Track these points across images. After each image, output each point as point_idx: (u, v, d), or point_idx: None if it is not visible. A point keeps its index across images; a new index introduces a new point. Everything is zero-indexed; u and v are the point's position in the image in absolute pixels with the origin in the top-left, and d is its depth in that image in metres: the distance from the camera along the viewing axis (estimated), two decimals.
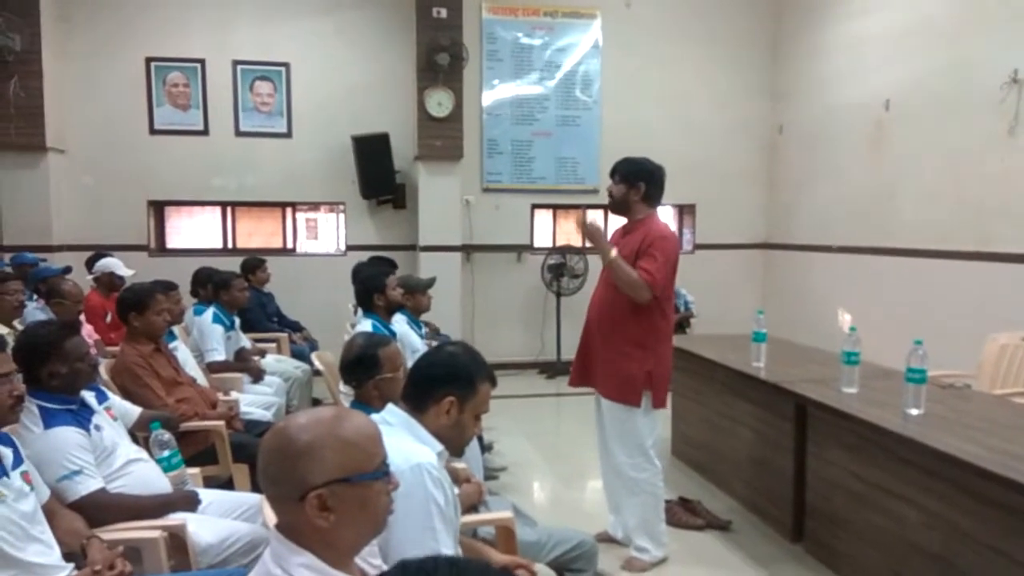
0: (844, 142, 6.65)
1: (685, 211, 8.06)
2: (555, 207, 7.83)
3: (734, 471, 4.13)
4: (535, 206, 7.67)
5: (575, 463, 4.97)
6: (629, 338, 3.23)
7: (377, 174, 7.02)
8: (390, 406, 1.93)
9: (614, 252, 3.17)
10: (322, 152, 7.14)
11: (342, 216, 7.45)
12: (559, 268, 7.25)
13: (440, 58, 6.65)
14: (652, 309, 3.21)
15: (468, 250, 7.32)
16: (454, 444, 1.93)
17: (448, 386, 1.84)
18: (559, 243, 7.67)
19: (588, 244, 3.53)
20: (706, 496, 4.06)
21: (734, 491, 4.12)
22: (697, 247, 7.89)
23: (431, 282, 4.48)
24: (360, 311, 4.24)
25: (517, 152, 7.48)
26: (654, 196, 3.33)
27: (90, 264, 5.39)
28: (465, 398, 1.86)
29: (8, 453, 2.02)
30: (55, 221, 6.45)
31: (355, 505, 1.27)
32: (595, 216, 7.89)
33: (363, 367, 2.49)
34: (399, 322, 4.20)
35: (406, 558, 0.86)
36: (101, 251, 5.60)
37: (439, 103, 6.81)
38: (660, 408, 3.32)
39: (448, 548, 1.74)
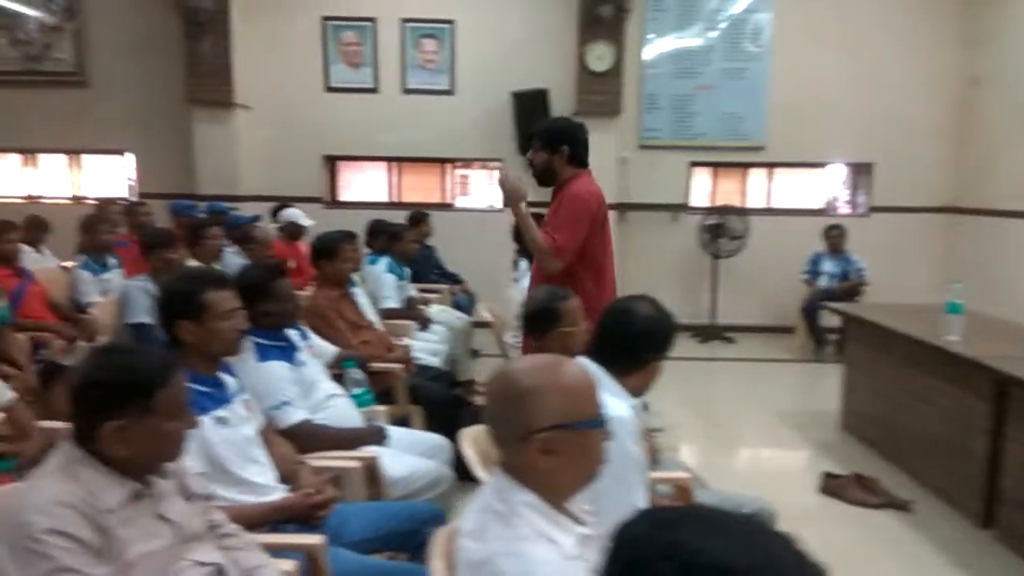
0: None
1: (860, 171, 7.50)
2: (715, 165, 7.54)
3: (914, 449, 3.88)
4: (693, 163, 7.42)
5: (729, 428, 4.89)
6: None
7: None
8: (582, 359, 1.94)
9: (523, 206, 2.93)
10: (482, 109, 7.23)
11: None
12: (717, 229, 7.00)
13: (603, 10, 6.52)
14: (581, 278, 2.94)
15: (622, 208, 7.22)
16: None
17: (660, 353, 1.87)
18: (718, 203, 7.40)
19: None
20: (881, 474, 3.84)
21: (913, 470, 3.87)
22: (872, 210, 7.35)
23: None
24: (524, 263, 4.30)
25: (677, 107, 7.23)
26: (579, 156, 3.05)
27: (275, 213, 5.81)
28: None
29: (232, 382, 2.23)
30: (241, 173, 6.97)
31: (575, 451, 1.30)
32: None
33: (545, 319, 2.53)
34: None
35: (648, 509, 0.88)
36: (285, 202, 6.02)
37: (599, 57, 6.69)
38: None
39: (641, 502, 1.75)
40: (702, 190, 7.66)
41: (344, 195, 7.73)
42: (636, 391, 1.88)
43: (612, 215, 6.87)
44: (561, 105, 7.03)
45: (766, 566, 0.69)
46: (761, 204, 7.60)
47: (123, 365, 1.49)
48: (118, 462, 1.47)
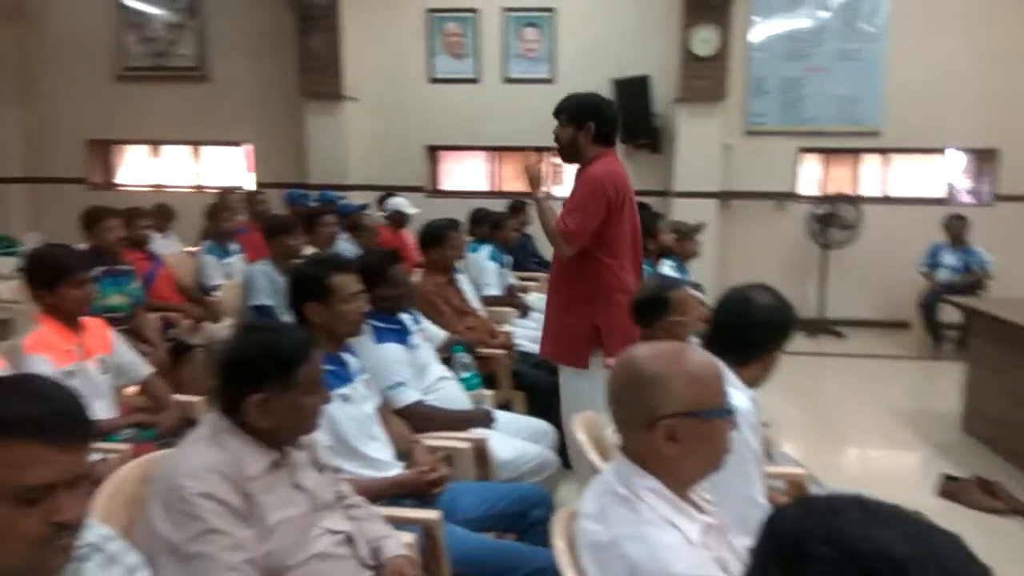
0: None
1: (984, 157, 7.03)
2: (826, 151, 7.23)
3: None
4: (802, 149, 7.14)
5: (838, 425, 4.74)
6: (572, 294, 2.89)
7: (635, 118, 6.93)
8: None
9: (541, 193, 2.93)
10: None
11: None
12: (828, 218, 6.73)
13: None
14: (596, 259, 2.83)
15: (725, 197, 7.04)
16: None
17: (780, 343, 1.86)
18: (829, 191, 7.10)
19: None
20: (1005, 478, 3.62)
21: None
22: (998, 198, 6.88)
23: (700, 227, 4.39)
24: None
25: (786, 91, 6.98)
26: (607, 134, 2.90)
27: (380, 202, 5.99)
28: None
29: (354, 362, 2.34)
30: (350, 163, 7.21)
31: (700, 439, 1.30)
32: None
33: (654, 308, 2.51)
34: (666, 268, 4.19)
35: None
36: (389, 191, 6.20)
37: (704, 40, 6.54)
38: None
39: (760, 495, 1.73)
40: (811, 177, 7.38)
41: (445, 184, 7.88)
42: (753, 382, 1.85)
43: (714, 204, 6.83)
44: (663, 91, 6.92)
45: (931, 559, 0.67)
46: (875, 192, 7.25)
47: (266, 343, 1.59)
48: (260, 433, 1.57)
